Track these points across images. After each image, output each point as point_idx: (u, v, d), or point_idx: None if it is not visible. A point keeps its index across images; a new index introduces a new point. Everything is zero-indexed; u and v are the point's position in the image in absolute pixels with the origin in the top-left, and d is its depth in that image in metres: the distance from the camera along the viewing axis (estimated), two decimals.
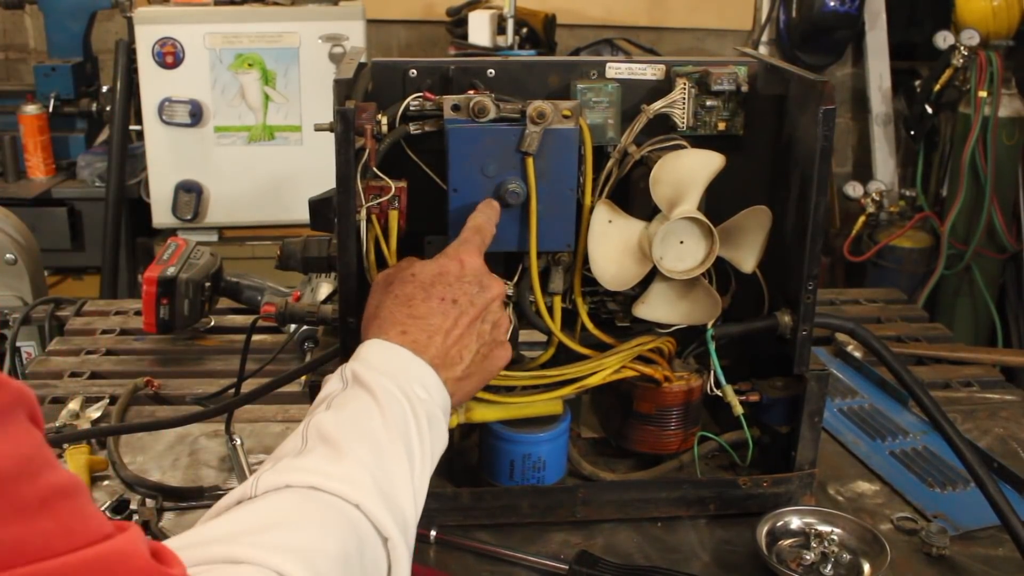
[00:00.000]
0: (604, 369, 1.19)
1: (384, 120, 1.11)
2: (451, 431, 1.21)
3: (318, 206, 1.19)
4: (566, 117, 1.10)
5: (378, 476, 0.81)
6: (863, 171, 3.73)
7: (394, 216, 1.11)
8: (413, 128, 1.12)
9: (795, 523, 1.18)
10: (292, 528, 0.74)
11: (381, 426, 0.86)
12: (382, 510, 0.79)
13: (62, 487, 0.56)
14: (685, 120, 1.20)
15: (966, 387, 1.62)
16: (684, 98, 1.20)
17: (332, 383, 0.92)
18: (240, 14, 2.91)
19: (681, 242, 1.14)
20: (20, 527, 0.53)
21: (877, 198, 3.44)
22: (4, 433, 0.53)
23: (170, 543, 0.67)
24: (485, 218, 1.08)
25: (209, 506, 1.24)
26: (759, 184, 1.23)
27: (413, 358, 0.94)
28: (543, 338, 1.22)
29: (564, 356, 1.21)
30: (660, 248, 1.13)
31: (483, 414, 1.19)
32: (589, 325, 1.20)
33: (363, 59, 1.19)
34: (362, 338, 0.98)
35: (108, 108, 3.13)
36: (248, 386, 1.36)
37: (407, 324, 0.96)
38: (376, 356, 0.93)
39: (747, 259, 1.17)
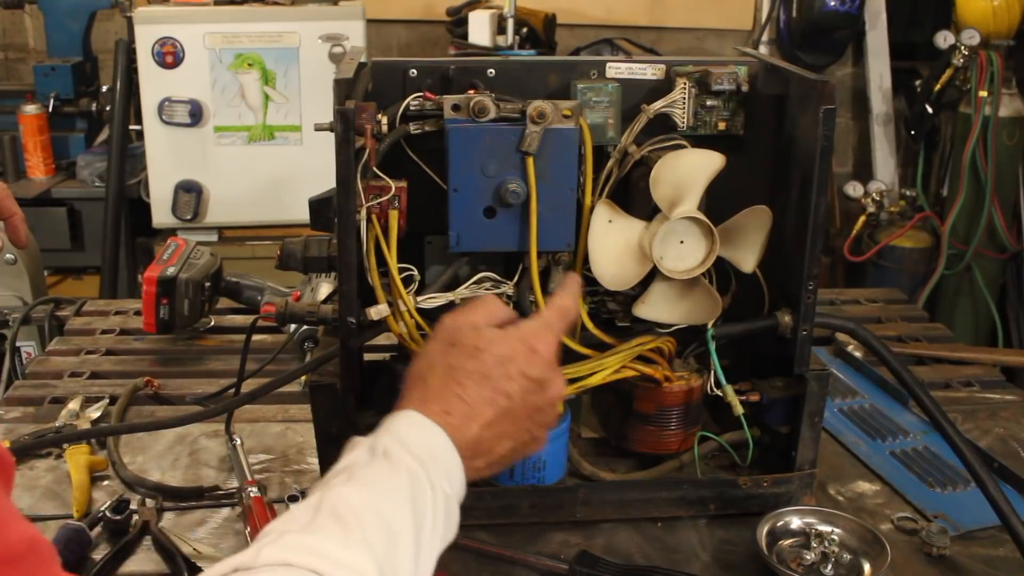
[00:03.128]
0: (604, 369, 1.19)
1: (384, 120, 1.11)
2: None
3: (318, 206, 1.19)
4: (566, 117, 1.10)
5: (386, 569, 0.76)
6: (863, 171, 3.73)
7: (394, 216, 1.11)
8: (413, 128, 1.12)
9: (795, 523, 1.18)
10: None
11: (400, 515, 0.80)
12: None
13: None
14: (685, 120, 1.20)
15: (966, 387, 1.62)
16: (684, 98, 1.20)
17: (359, 452, 0.85)
18: (240, 14, 2.91)
19: (681, 242, 1.14)
20: None
21: (877, 198, 3.44)
22: None
23: None
24: (572, 299, 1.02)
25: (209, 506, 1.25)
26: (759, 184, 1.23)
27: (448, 444, 0.87)
28: None
29: (564, 356, 1.20)
30: (660, 248, 1.13)
31: None
32: (589, 325, 1.20)
33: (363, 59, 1.19)
34: (404, 390, 0.92)
35: (108, 108, 3.13)
36: (248, 386, 1.36)
37: (452, 404, 0.89)
38: (413, 434, 0.86)
39: (747, 259, 1.17)
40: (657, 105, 1.19)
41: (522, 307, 1.18)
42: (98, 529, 1.19)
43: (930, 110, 3.35)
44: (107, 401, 1.49)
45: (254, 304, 1.75)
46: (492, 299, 1.01)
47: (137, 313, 1.73)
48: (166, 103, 2.89)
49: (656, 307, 1.17)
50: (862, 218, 3.45)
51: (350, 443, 0.88)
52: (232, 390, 1.40)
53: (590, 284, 1.19)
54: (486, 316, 0.96)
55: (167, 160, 2.96)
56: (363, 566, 0.74)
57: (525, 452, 0.96)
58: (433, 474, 0.84)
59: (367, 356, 1.28)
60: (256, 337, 1.44)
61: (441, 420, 0.88)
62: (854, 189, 3.47)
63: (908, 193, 3.47)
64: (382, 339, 1.20)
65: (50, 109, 3.16)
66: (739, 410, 1.20)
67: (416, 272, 1.15)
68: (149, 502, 1.24)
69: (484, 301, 1.00)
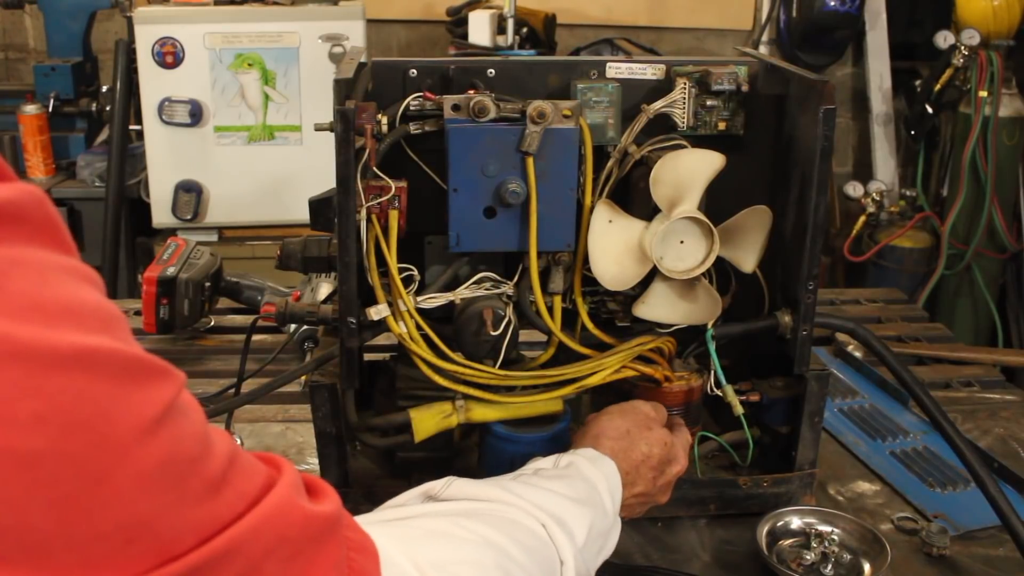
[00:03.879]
0: (604, 369, 1.19)
1: (384, 120, 1.11)
2: (451, 431, 1.22)
3: (318, 206, 1.19)
4: (566, 117, 1.10)
5: (568, 521, 0.90)
6: (863, 171, 3.73)
7: (394, 216, 1.11)
8: (413, 128, 1.12)
9: (795, 523, 1.18)
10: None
11: (584, 495, 0.97)
12: (564, 538, 0.88)
13: (230, 452, 0.57)
14: (685, 120, 1.20)
15: (966, 387, 1.62)
16: (684, 98, 1.20)
17: (543, 461, 1.03)
18: (240, 14, 2.91)
19: (681, 242, 1.14)
20: (212, 504, 0.54)
21: (877, 198, 3.44)
22: (186, 417, 0.54)
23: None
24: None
25: None
26: (759, 184, 1.23)
27: (618, 483, 1.04)
28: (543, 338, 1.22)
29: (564, 356, 1.20)
30: (660, 248, 1.13)
31: (483, 414, 1.19)
32: (589, 325, 1.20)
33: (363, 59, 1.19)
34: (593, 432, 1.10)
35: (108, 108, 3.13)
36: (248, 386, 1.36)
37: (629, 470, 1.07)
38: (597, 463, 1.03)
39: (747, 259, 1.17)
40: (657, 105, 1.19)
41: (522, 307, 1.18)
42: None
43: (930, 110, 3.35)
44: None
45: (254, 304, 1.75)
46: (664, 411, 1.19)
47: (137, 313, 1.73)
48: (166, 103, 2.89)
49: (656, 307, 1.17)
50: (862, 218, 3.45)
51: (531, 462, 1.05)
52: (232, 390, 1.40)
53: (590, 284, 1.19)
54: (663, 420, 1.17)
55: (167, 160, 2.96)
56: (543, 503, 0.89)
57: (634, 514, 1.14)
58: (605, 490, 1.01)
59: (367, 356, 1.28)
60: (256, 337, 1.44)
61: (621, 476, 1.06)
62: (854, 189, 3.47)
63: (908, 193, 3.47)
64: (382, 339, 1.20)
65: (50, 109, 3.15)
66: (739, 410, 1.20)
67: (416, 272, 1.15)
68: None
69: (663, 410, 1.18)
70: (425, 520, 0.81)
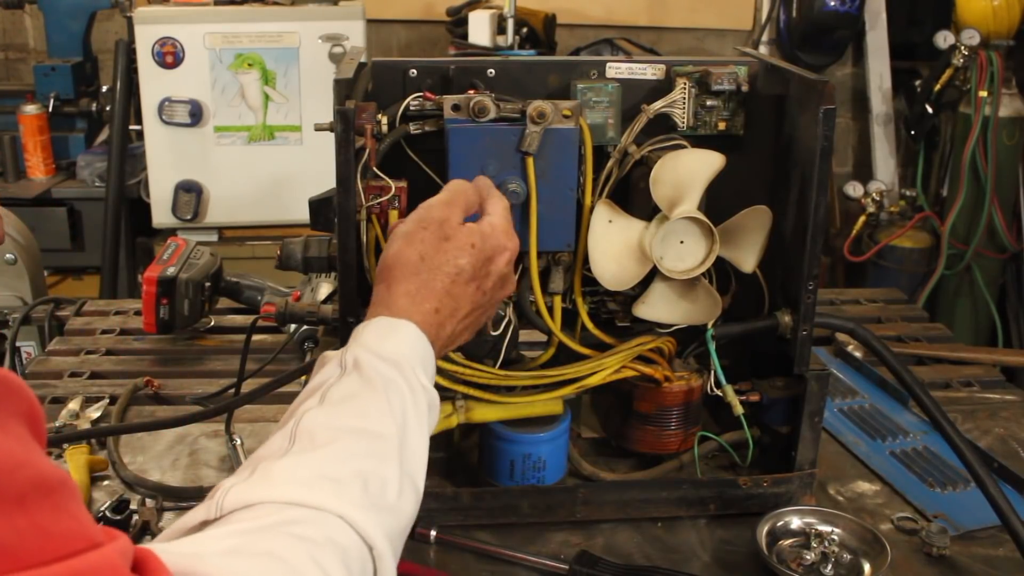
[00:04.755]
0: (604, 369, 1.19)
1: (384, 120, 1.11)
2: (451, 431, 1.22)
3: (318, 206, 1.19)
4: (566, 117, 1.10)
5: (370, 480, 0.78)
6: (863, 171, 3.73)
7: (394, 216, 1.11)
8: (413, 128, 1.12)
9: (795, 523, 1.18)
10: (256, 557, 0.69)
11: (378, 423, 0.82)
12: (370, 519, 0.75)
13: (43, 483, 0.52)
14: (685, 120, 1.20)
15: (966, 387, 1.62)
16: (684, 98, 1.20)
17: (329, 368, 0.87)
18: (240, 14, 2.91)
19: (681, 242, 1.14)
20: None
21: (877, 198, 3.44)
22: None
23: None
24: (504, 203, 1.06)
25: None
26: (759, 184, 1.23)
27: (423, 341, 0.91)
28: (543, 338, 1.22)
29: (564, 356, 1.21)
30: (660, 248, 1.13)
31: (483, 414, 1.19)
32: (589, 325, 1.20)
33: (363, 59, 1.19)
34: (386, 278, 0.95)
35: (108, 108, 3.13)
36: (248, 386, 1.36)
37: (443, 301, 0.94)
38: (385, 341, 0.89)
39: (747, 259, 1.17)
40: (657, 105, 1.19)
41: (522, 307, 1.18)
42: None
43: (930, 110, 3.35)
44: (107, 401, 1.49)
45: (254, 304, 1.75)
46: (462, 187, 1.03)
47: (137, 313, 1.73)
48: (166, 103, 2.89)
49: (656, 307, 1.17)
50: (862, 218, 3.45)
51: (320, 359, 0.90)
52: (232, 390, 1.40)
53: (590, 284, 1.19)
54: (464, 207, 1.01)
55: (167, 160, 2.96)
56: (343, 482, 0.76)
57: (466, 337, 1.02)
58: (409, 374, 0.87)
59: None
60: (256, 337, 1.44)
61: (430, 319, 0.93)
62: (854, 189, 3.47)
63: (908, 193, 3.47)
64: None
65: (50, 109, 3.16)
66: (739, 410, 1.20)
67: None
68: (149, 502, 1.24)
69: (459, 191, 1.02)
70: (216, 559, 0.67)
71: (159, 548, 0.62)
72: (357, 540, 0.74)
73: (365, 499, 0.77)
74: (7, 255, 2.14)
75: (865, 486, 1.33)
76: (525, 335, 1.20)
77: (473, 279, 0.96)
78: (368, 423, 0.82)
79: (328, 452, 0.78)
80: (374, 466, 0.79)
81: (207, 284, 1.67)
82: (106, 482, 1.30)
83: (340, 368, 0.87)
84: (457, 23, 3.36)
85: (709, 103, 1.21)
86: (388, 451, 0.81)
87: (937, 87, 3.29)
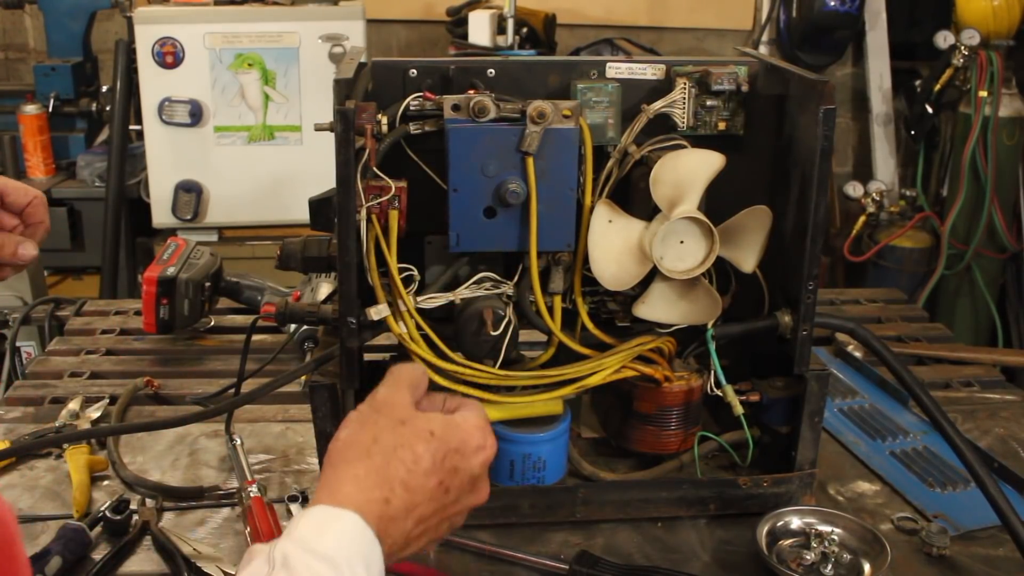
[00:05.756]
0: (604, 369, 1.19)
1: (384, 120, 1.11)
2: None
3: (318, 206, 1.19)
4: (566, 117, 1.10)
5: None
6: (863, 171, 3.73)
7: (394, 216, 1.11)
8: (413, 128, 1.12)
9: (795, 523, 1.18)
10: None
11: None
12: None
13: None
14: (685, 120, 1.20)
15: (966, 387, 1.62)
16: (684, 98, 1.20)
17: (255, 565, 0.76)
18: (240, 14, 2.91)
19: (681, 242, 1.14)
20: None
21: (877, 198, 3.44)
22: None
23: None
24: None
25: (209, 506, 1.25)
26: (759, 184, 1.23)
27: (373, 541, 0.79)
28: (543, 338, 1.22)
29: (564, 356, 1.20)
30: (660, 248, 1.13)
31: None
32: (589, 325, 1.20)
33: (363, 59, 1.19)
34: (334, 462, 0.83)
35: (108, 108, 3.13)
36: (248, 386, 1.36)
37: (396, 491, 0.82)
38: (325, 536, 0.77)
39: (747, 259, 1.17)
40: (657, 105, 1.19)
41: (522, 307, 1.18)
42: (98, 529, 1.19)
43: (930, 110, 3.35)
44: (107, 401, 1.49)
45: (254, 304, 1.75)
46: (401, 367, 0.94)
47: (137, 313, 1.73)
48: (166, 103, 2.89)
49: (656, 307, 1.17)
50: (862, 218, 3.45)
51: (248, 552, 0.79)
52: (232, 390, 1.40)
53: (590, 284, 1.19)
54: (410, 385, 0.91)
55: (167, 160, 2.96)
56: None
57: (428, 544, 0.88)
58: (347, 573, 0.75)
59: (367, 356, 1.27)
60: (256, 337, 1.44)
61: (378, 509, 0.80)
62: (854, 189, 3.47)
63: (908, 193, 3.47)
64: (382, 339, 1.20)
65: (50, 109, 3.16)
66: (739, 410, 1.20)
67: (416, 272, 1.15)
68: (149, 502, 1.24)
69: (397, 371, 0.93)
70: None
71: None
72: None
73: None
74: None
75: (865, 486, 1.33)
76: (525, 335, 1.20)
77: (434, 472, 0.84)
78: None
79: None
80: None
81: (207, 284, 1.67)
82: (106, 482, 1.30)
83: (268, 566, 0.75)
84: (457, 23, 3.36)
85: (709, 103, 1.21)
86: None
87: (937, 87, 3.29)
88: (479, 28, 3.19)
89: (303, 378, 1.48)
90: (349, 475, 0.81)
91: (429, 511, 0.84)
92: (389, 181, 1.10)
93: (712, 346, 1.19)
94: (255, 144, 2.97)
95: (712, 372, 1.21)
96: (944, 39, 3.22)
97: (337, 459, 0.83)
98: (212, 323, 1.78)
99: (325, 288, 1.64)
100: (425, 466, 0.83)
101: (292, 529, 0.78)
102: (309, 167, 2.92)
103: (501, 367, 1.18)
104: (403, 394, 0.90)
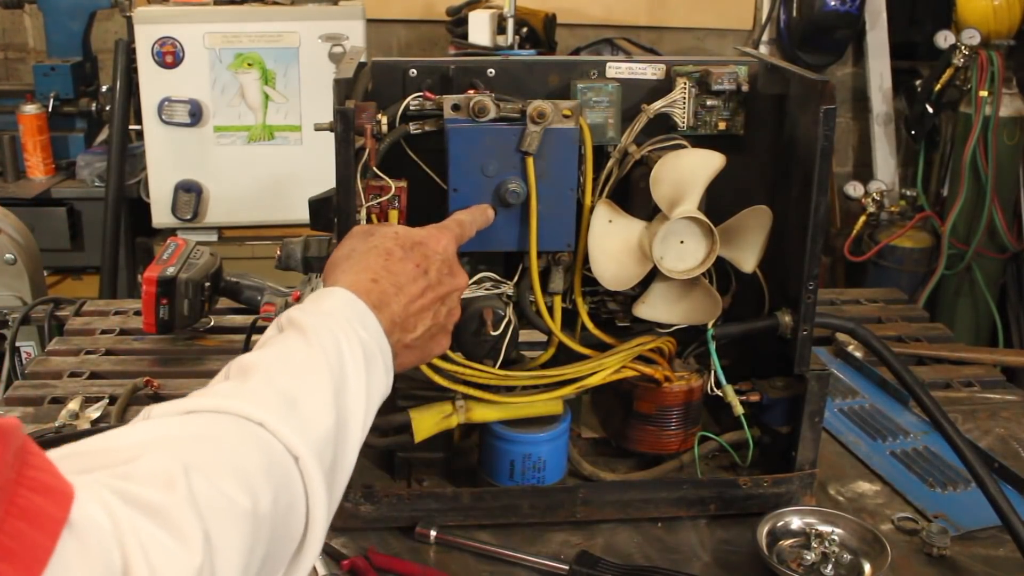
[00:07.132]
0: (604, 369, 1.19)
1: (384, 120, 1.11)
2: (451, 431, 1.22)
3: (318, 206, 1.19)
4: (566, 117, 1.10)
5: (300, 401, 0.77)
6: (864, 171, 3.73)
7: (394, 216, 1.11)
8: (413, 128, 1.12)
9: (796, 523, 1.18)
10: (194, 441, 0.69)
11: (304, 353, 0.81)
12: (290, 427, 0.73)
13: None
14: (685, 120, 1.20)
15: (967, 387, 1.62)
16: (684, 98, 1.20)
17: (267, 332, 0.88)
18: (240, 14, 2.91)
19: (681, 242, 1.14)
20: None
21: (878, 198, 3.44)
22: None
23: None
24: (470, 218, 1.08)
25: None
26: (759, 184, 1.23)
27: (364, 308, 0.89)
28: (543, 338, 1.22)
29: (564, 356, 1.20)
30: (660, 248, 1.13)
31: (483, 414, 1.19)
32: (589, 325, 1.20)
33: (363, 59, 1.19)
34: (325, 279, 0.95)
35: (108, 108, 3.13)
36: None
37: (380, 274, 0.93)
38: (322, 302, 0.88)
39: (747, 259, 1.17)
40: (657, 105, 1.19)
41: (522, 307, 1.18)
42: None
43: (930, 110, 3.34)
44: (107, 401, 1.49)
45: (254, 304, 1.75)
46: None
47: (137, 313, 1.73)
48: (166, 103, 2.89)
49: (656, 307, 1.17)
50: (862, 218, 3.45)
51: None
52: None
53: (590, 284, 1.19)
54: (390, 223, 1.04)
55: (167, 160, 2.96)
56: (260, 393, 0.76)
57: (438, 343, 1.00)
58: (342, 320, 0.85)
59: None
60: (256, 337, 1.44)
61: (369, 288, 0.91)
62: (854, 189, 3.46)
63: (908, 193, 3.47)
64: None
65: (50, 109, 3.15)
66: (739, 410, 1.20)
67: None
68: None
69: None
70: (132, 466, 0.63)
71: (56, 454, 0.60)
72: (279, 447, 0.73)
73: (292, 416, 0.75)
74: (7, 255, 2.14)
75: (865, 486, 1.33)
76: (525, 335, 1.20)
77: (408, 258, 0.96)
78: (295, 354, 0.82)
79: (259, 376, 0.78)
80: (305, 391, 0.78)
81: (207, 284, 1.67)
82: None
83: (276, 329, 0.87)
84: (457, 23, 3.35)
85: (709, 103, 1.21)
86: (321, 381, 0.80)
87: (937, 87, 3.29)
88: (479, 28, 3.19)
89: None
90: (338, 273, 0.94)
91: (416, 290, 0.95)
92: (389, 181, 1.10)
93: (712, 346, 1.19)
94: (255, 144, 2.97)
95: (712, 372, 1.21)
96: (944, 39, 3.21)
97: (327, 275, 0.95)
98: (212, 323, 1.78)
99: None
100: (399, 255, 0.96)
101: (312, 302, 0.89)
102: (309, 167, 2.91)
103: (501, 367, 1.18)
104: (385, 224, 1.03)
